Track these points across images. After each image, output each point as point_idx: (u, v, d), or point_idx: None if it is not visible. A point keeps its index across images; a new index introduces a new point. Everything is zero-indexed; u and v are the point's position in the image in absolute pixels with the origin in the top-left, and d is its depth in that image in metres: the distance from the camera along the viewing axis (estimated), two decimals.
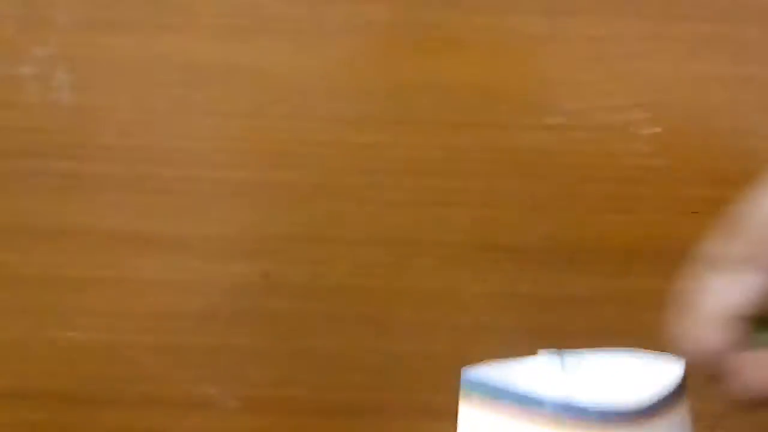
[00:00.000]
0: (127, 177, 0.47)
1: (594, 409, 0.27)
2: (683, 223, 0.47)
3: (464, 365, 0.28)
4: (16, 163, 0.47)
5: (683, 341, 0.29)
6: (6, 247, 0.47)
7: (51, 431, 0.48)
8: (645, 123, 0.46)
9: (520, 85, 0.47)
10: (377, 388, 0.48)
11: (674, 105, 0.47)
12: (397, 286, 0.48)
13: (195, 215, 0.47)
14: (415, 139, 0.47)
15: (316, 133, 0.47)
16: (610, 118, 0.46)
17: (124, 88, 0.47)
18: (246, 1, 0.47)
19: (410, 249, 0.47)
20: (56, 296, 0.47)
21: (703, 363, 0.29)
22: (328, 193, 0.47)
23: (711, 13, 0.45)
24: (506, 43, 0.47)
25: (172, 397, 0.48)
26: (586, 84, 0.46)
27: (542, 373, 0.29)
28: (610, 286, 0.47)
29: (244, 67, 0.47)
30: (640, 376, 0.29)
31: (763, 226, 0.27)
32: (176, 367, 0.48)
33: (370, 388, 0.48)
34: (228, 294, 0.47)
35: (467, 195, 0.47)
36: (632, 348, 0.30)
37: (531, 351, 0.29)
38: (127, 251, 0.47)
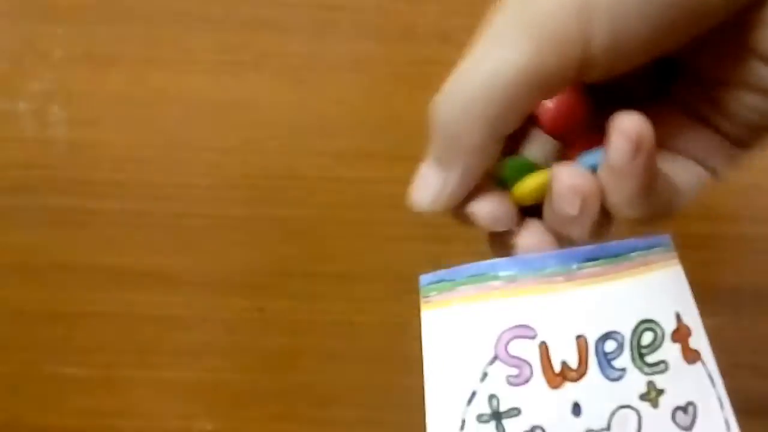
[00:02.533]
0: (122, 213, 0.47)
1: (552, 259, 0.26)
2: None
3: None
4: (11, 198, 0.47)
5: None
6: (1, 282, 0.47)
7: None
8: None
9: None
10: (373, 424, 0.48)
11: None
12: (393, 322, 0.48)
13: (189, 251, 0.47)
14: (410, 174, 0.47)
15: (311, 169, 0.47)
16: None
17: (120, 124, 0.47)
18: (241, 37, 0.47)
19: (405, 284, 0.47)
20: (51, 331, 0.47)
21: None
22: (323, 228, 0.47)
23: None
24: None
25: (169, 431, 0.48)
26: None
27: None
28: None
29: (238, 103, 0.47)
30: None
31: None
32: (171, 402, 0.48)
33: (366, 424, 0.48)
34: (223, 329, 0.47)
35: (462, 230, 0.47)
36: None
37: None
38: (122, 287, 0.47)
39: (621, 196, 0.26)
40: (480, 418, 0.26)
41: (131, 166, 0.47)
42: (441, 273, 0.27)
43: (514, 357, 0.26)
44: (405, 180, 0.48)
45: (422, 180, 0.29)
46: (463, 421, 0.26)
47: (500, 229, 0.28)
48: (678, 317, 0.27)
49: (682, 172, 0.29)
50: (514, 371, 0.26)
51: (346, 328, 0.47)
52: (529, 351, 0.26)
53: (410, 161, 0.48)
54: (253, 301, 0.47)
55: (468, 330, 0.26)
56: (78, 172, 0.47)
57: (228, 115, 0.47)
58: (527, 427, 0.26)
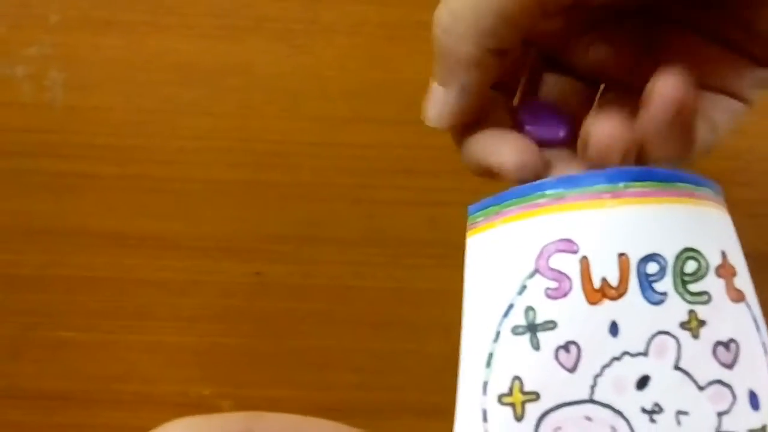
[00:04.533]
0: (119, 177, 0.47)
1: (599, 176, 0.26)
2: None
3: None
4: (7, 162, 0.47)
5: None
6: (0, 247, 0.47)
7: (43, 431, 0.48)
8: None
9: None
10: (371, 388, 0.48)
11: None
12: (390, 286, 0.48)
13: (187, 215, 0.47)
14: (408, 138, 0.47)
15: (309, 133, 0.47)
16: None
17: (117, 88, 0.47)
18: (238, 1, 0.47)
19: (403, 249, 0.47)
20: (48, 296, 0.47)
21: None
22: (320, 192, 0.47)
23: None
24: None
25: (165, 397, 0.48)
26: None
27: None
28: None
29: (235, 67, 0.47)
30: None
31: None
32: (169, 367, 0.47)
33: (364, 388, 0.48)
34: (220, 294, 0.47)
35: (460, 194, 0.47)
36: None
37: None
38: (119, 251, 0.47)
39: (660, 153, 0.26)
40: (515, 330, 0.25)
41: (128, 130, 0.47)
42: (488, 199, 0.27)
43: (554, 270, 0.25)
44: (402, 144, 0.48)
45: (430, 97, 0.29)
46: (498, 333, 0.26)
47: (529, 179, 0.27)
48: (723, 255, 0.27)
49: (715, 108, 0.29)
50: (554, 284, 0.25)
51: (344, 292, 0.47)
52: (570, 265, 0.25)
53: (408, 125, 0.48)
54: (251, 266, 0.47)
55: (510, 246, 0.26)
56: (75, 137, 0.47)
57: (225, 79, 0.47)
58: (562, 342, 0.25)
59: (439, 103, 0.29)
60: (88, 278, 0.47)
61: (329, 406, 0.48)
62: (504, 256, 0.26)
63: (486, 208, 0.27)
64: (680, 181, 0.27)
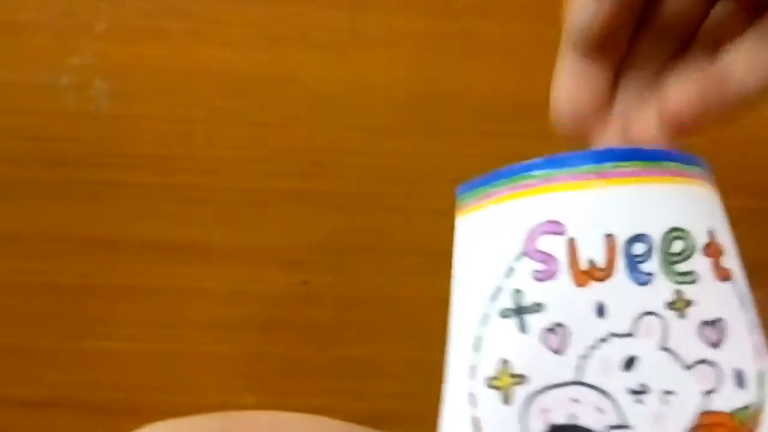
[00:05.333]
0: (164, 186, 0.47)
1: (586, 157, 0.26)
2: None
3: None
4: (51, 172, 0.47)
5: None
6: (44, 256, 0.47)
7: None
8: None
9: None
10: (413, 397, 0.48)
11: None
12: (434, 296, 0.47)
13: (233, 224, 0.47)
14: (452, 147, 0.47)
15: (353, 142, 0.47)
16: None
17: (161, 98, 0.47)
18: (282, 11, 0.47)
19: (448, 258, 0.47)
20: (93, 305, 0.47)
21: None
22: (365, 202, 0.47)
23: None
24: (542, 52, 0.47)
25: (210, 406, 0.47)
26: None
27: None
28: None
29: (280, 77, 0.47)
30: None
31: None
32: (214, 376, 0.47)
33: (407, 397, 0.48)
34: (266, 303, 0.47)
35: None
36: None
37: None
38: (164, 260, 0.47)
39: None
40: (502, 313, 0.26)
41: (173, 139, 0.47)
42: (477, 179, 0.27)
43: (541, 252, 0.25)
44: (445, 153, 0.48)
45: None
46: (485, 316, 0.26)
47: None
48: (711, 234, 0.27)
49: None
50: (541, 266, 0.25)
51: (387, 301, 0.47)
52: (558, 247, 0.25)
53: (450, 135, 0.48)
54: (296, 275, 0.47)
55: (498, 227, 0.26)
56: (118, 146, 0.47)
57: (269, 89, 0.47)
58: (549, 324, 0.25)
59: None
60: (131, 287, 0.47)
61: (372, 415, 0.48)
62: (492, 238, 0.26)
63: (475, 188, 0.27)
64: (668, 160, 0.26)
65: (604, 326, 0.25)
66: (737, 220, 0.47)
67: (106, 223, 0.47)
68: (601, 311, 0.25)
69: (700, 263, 0.26)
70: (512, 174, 0.26)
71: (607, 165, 0.26)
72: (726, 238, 0.27)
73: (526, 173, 0.26)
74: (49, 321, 0.47)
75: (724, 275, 0.26)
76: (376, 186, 0.47)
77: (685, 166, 0.27)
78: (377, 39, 0.47)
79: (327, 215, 0.47)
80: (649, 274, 0.25)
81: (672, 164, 0.26)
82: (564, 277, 0.25)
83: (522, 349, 0.25)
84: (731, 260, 0.27)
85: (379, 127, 0.47)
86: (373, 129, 0.47)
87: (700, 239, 0.26)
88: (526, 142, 0.47)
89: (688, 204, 0.26)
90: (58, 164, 0.47)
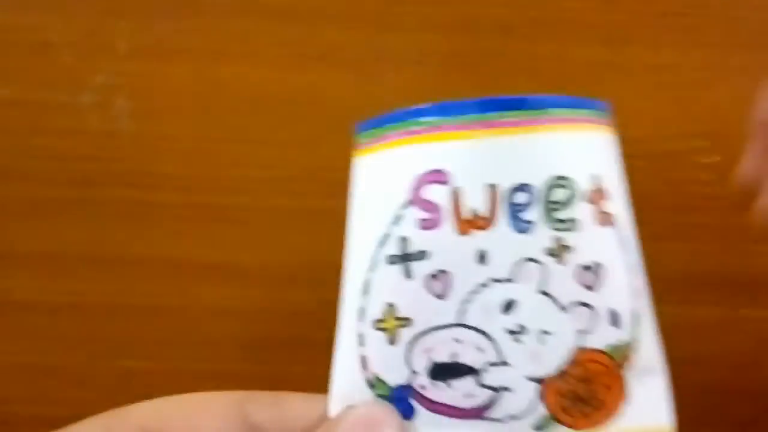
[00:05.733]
0: (187, 205, 0.47)
1: (472, 106, 0.26)
2: (745, 251, 0.47)
3: None
4: (74, 191, 0.47)
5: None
6: (67, 275, 0.47)
7: None
8: (705, 151, 0.46)
9: None
10: None
11: (734, 133, 0.46)
12: None
13: (254, 243, 0.47)
14: None
15: None
16: (670, 146, 0.47)
17: (184, 116, 0.47)
18: (305, 30, 0.47)
19: None
20: (117, 324, 0.47)
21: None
22: None
23: None
24: (566, 71, 0.47)
25: None
26: (646, 112, 0.46)
27: None
28: (670, 314, 0.47)
29: (303, 96, 0.47)
30: None
31: None
32: None
33: None
34: (288, 322, 0.47)
35: None
36: None
37: None
38: (187, 279, 0.47)
39: None
40: (389, 260, 0.26)
41: (195, 158, 0.47)
42: (372, 120, 0.28)
43: (426, 201, 0.26)
44: None
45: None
46: (374, 262, 0.27)
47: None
48: (596, 179, 0.27)
49: None
50: (426, 215, 0.26)
51: None
52: (442, 196, 0.26)
53: None
54: (317, 294, 0.47)
55: (388, 174, 0.27)
56: (142, 165, 0.47)
57: (292, 107, 0.47)
58: (433, 271, 0.26)
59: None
60: (156, 307, 0.47)
61: None
62: (382, 185, 0.27)
63: (369, 129, 0.28)
64: (556, 107, 0.27)
65: (485, 272, 0.26)
66: None
67: (129, 243, 0.47)
68: (482, 258, 0.26)
69: (581, 210, 0.27)
70: (402, 119, 0.27)
71: (492, 114, 0.26)
72: (613, 182, 0.28)
73: (414, 119, 0.27)
74: (74, 341, 0.47)
75: (605, 220, 0.27)
76: None
77: (575, 111, 0.27)
78: (401, 58, 0.47)
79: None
80: (530, 222, 0.26)
81: (560, 111, 0.27)
82: (447, 226, 0.26)
83: (407, 294, 0.26)
84: (616, 204, 0.28)
85: None
86: None
87: (584, 186, 0.27)
88: None
89: (573, 152, 0.27)
90: (82, 184, 0.47)
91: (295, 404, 0.30)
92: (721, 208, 0.47)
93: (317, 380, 0.48)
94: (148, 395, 0.47)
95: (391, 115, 0.27)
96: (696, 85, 0.46)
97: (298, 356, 0.48)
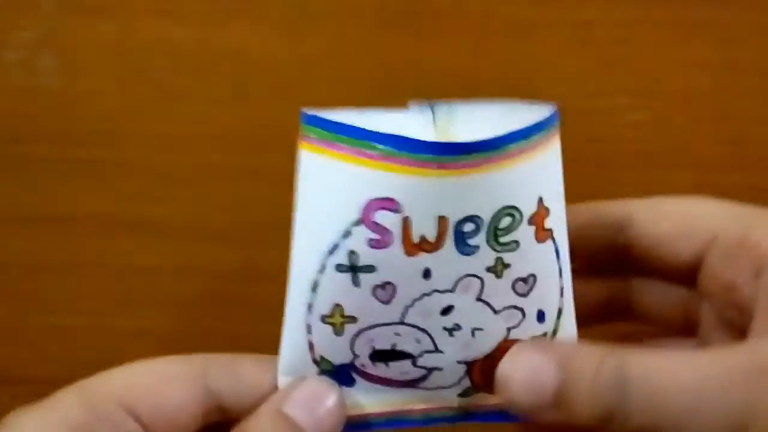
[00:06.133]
0: (111, 162, 0.47)
1: (429, 146, 0.27)
2: None
3: None
4: (0, 148, 0.47)
5: None
6: None
7: None
8: (631, 108, 0.46)
9: (506, 71, 0.47)
10: None
11: (660, 90, 0.46)
12: None
13: (180, 200, 0.47)
14: None
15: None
16: (596, 103, 0.46)
17: (109, 74, 0.47)
18: None
19: None
20: (39, 282, 0.47)
21: None
22: None
23: None
24: (492, 28, 0.47)
25: None
26: (572, 69, 0.46)
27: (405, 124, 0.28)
28: None
29: (228, 53, 0.47)
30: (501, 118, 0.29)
31: None
32: (161, 353, 0.47)
33: None
34: (213, 279, 0.47)
35: None
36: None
37: None
38: (110, 236, 0.47)
39: None
40: (338, 268, 0.28)
41: (120, 115, 0.47)
42: (323, 117, 0.28)
43: (377, 224, 0.27)
44: None
45: None
46: (323, 266, 0.28)
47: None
48: (540, 201, 0.29)
49: None
50: (376, 236, 0.27)
51: None
52: (393, 222, 0.27)
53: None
54: (242, 252, 0.47)
55: (340, 187, 0.28)
56: (67, 122, 0.47)
57: (217, 64, 0.47)
58: (379, 282, 0.28)
59: None
60: (77, 263, 0.47)
61: None
62: (332, 195, 0.28)
63: (319, 127, 0.28)
64: (511, 142, 0.27)
65: (428, 285, 0.28)
66: None
67: (52, 200, 0.47)
68: (427, 274, 0.28)
69: (524, 232, 0.28)
70: (356, 136, 0.27)
71: (448, 158, 0.27)
72: (555, 196, 0.30)
73: (369, 142, 0.27)
74: None
75: (544, 236, 0.29)
76: None
77: (528, 140, 0.28)
78: (326, 13, 0.47)
79: (274, 191, 0.47)
80: (475, 246, 0.28)
81: (514, 145, 0.27)
82: (396, 248, 0.27)
83: (354, 298, 0.28)
84: (555, 218, 0.29)
85: (327, 103, 0.46)
86: (321, 105, 0.46)
87: (528, 210, 0.28)
88: None
89: (523, 181, 0.28)
90: (6, 140, 0.47)
91: (250, 370, 0.32)
92: (647, 166, 0.47)
93: (243, 339, 0.48)
94: (71, 352, 0.48)
95: (343, 125, 0.27)
96: (621, 42, 0.46)
97: (224, 313, 0.48)
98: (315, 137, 0.28)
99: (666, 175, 0.47)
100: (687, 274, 0.33)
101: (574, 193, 0.48)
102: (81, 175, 0.47)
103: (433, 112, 0.29)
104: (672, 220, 0.33)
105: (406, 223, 0.27)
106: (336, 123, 0.28)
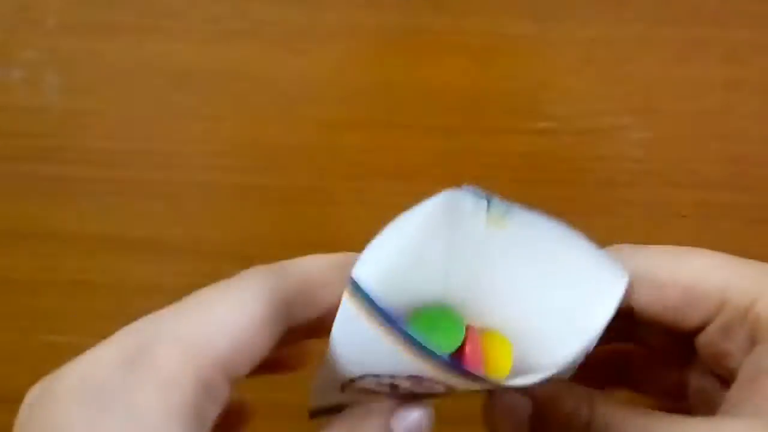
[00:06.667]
0: (115, 181, 0.47)
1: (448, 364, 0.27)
2: (673, 226, 0.47)
3: None
4: (4, 166, 0.47)
5: None
6: None
7: None
8: (634, 127, 0.46)
9: (510, 89, 0.47)
10: None
11: (664, 109, 0.46)
12: None
13: (183, 219, 0.47)
14: (405, 143, 0.47)
15: (305, 137, 0.47)
16: (600, 122, 0.46)
17: (113, 92, 0.47)
18: (235, 4, 0.47)
19: None
20: (44, 301, 0.47)
21: None
22: (316, 196, 0.47)
23: (700, 16, 0.45)
24: (495, 47, 0.47)
25: None
26: (576, 88, 0.46)
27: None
28: None
29: (232, 71, 0.47)
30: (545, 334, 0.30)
31: None
32: None
33: None
34: None
35: None
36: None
37: None
38: (115, 255, 0.47)
39: None
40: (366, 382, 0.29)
41: (124, 134, 0.47)
42: (369, 294, 0.27)
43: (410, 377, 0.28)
44: (399, 148, 0.48)
45: None
46: (352, 381, 0.30)
47: None
48: None
49: None
50: (407, 383, 0.29)
51: None
52: (418, 383, 0.29)
53: (404, 129, 0.48)
54: (243, 269, 0.47)
55: (376, 350, 0.28)
56: (71, 141, 0.47)
57: (222, 83, 0.47)
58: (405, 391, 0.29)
59: None
60: (83, 282, 0.47)
61: None
62: (370, 353, 0.28)
63: (364, 299, 0.27)
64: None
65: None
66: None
67: (58, 219, 0.47)
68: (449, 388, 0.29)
69: None
70: (392, 324, 0.27)
71: (459, 371, 0.28)
72: None
73: (402, 339, 0.27)
74: (2, 316, 0.47)
75: None
76: (328, 181, 0.47)
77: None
78: (331, 33, 0.47)
79: (278, 209, 0.47)
80: None
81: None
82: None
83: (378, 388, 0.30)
84: None
85: (331, 122, 0.47)
86: (325, 123, 0.47)
87: None
88: (479, 136, 0.47)
89: None
90: (8, 159, 0.47)
91: (324, 292, 0.31)
92: (650, 185, 0.47)
93: None
94: None
95: (383, 313, 0.27)
96: (625, 60, 0.46)
97: None
98: (358, 302, 0.27)
99: (668, 194, 0.47)
100: (685, 337, 0.33)
101: (576, 212, 0.48)
102: (84, 193, 0.47)
103: (488, 202, 0.30)
104: (679, 287, 0.32)
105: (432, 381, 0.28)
106: (378, 308, 0.27)
